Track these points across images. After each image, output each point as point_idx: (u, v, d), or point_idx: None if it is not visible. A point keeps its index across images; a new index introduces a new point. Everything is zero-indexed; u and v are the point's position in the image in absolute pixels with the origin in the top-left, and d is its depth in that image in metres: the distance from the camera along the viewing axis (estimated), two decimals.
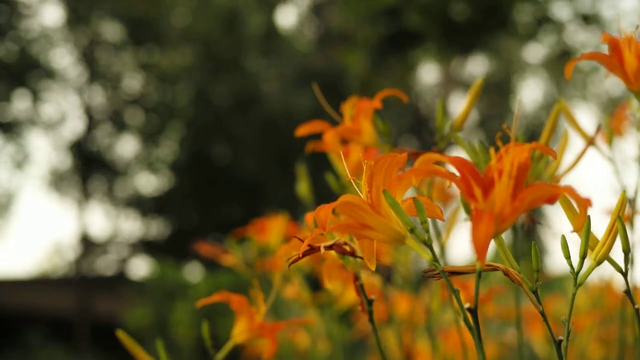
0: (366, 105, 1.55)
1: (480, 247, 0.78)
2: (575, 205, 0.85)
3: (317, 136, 1.71)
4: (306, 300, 2.44)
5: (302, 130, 1.62)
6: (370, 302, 1.16)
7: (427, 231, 0.91)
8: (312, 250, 1.00)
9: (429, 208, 0.96)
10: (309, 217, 0.99)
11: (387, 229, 0.92)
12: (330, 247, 1.02)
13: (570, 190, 0.83)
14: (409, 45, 12.41)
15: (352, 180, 0.99)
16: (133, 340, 1.50)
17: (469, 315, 0.90)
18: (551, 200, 0.82)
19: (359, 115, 1.55)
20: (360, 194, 0.96)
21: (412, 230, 0.91)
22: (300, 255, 1.00)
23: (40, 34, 17.70)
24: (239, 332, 1.48)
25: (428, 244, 0.92)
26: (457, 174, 0.85)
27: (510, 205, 0.84)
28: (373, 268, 0.98)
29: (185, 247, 10.67)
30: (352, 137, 1.58)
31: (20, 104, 17.62)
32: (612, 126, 2.37)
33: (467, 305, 0.90)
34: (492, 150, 0.86)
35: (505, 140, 0.89)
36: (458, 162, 0.85)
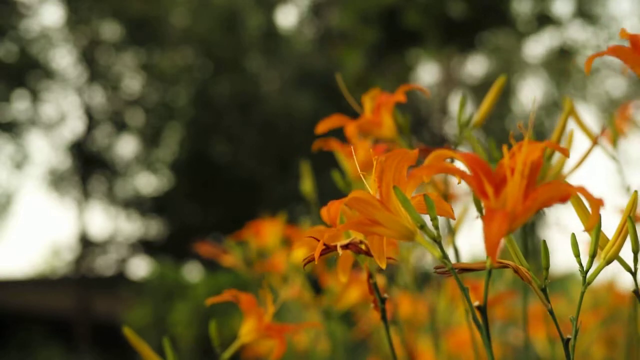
0: (388, 98, 1.53)
1: (492, 246, 0.78)
2: (587, 205, 0.84)
3: (322, 135, 1.69)
4: (307, 301, 2.43)
5: (323, 126, 1.59)
6: (383, 301, 1.15)
7: (437, 228, 0.90)
8: (328, 249, 1.00)
9: (439, 205, 0.95)
10: (323, 212, 0.98)
11: (396, 225, 0.92)
12: (346, 247, 1.01)
13: (583, 190, 0.82)
14: (408, 44, 12.42)
15: (362, 176, 0.98)
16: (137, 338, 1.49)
17: (478, 313, 0.89)
18: (563, 200, 0.81)
19: (381, 108, 1.54)
20: (369, 191, 0.95)
21: (422, 227, 0.91)
22: (318, 254, 0.99)
23: (40, 34, 17.69)
24: (247, 332, 1.46)
25: (437, 241, 0.91)
26: (469, 171, 0.84)
27: (522, 204, 0.83)
28: (383, 266, 0.98)
29: (184, 247, 10.67)
30: (373, 130, 1.57)
31: (20, 104, 17.62)
32: (615, 126, 2.36)
33: (476, 303, 0.89)
34: (504, 148, 0.86)
35: (512, 139, 0.88)
36: (470, 159, 0.84)
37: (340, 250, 0.98)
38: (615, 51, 1.08)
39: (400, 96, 1.50)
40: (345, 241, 1.01)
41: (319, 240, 0.96)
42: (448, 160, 0.94)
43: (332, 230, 0.95)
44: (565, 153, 0.96)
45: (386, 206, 0.92)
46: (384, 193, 0.92)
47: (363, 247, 1.01)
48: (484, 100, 1.63)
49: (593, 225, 0.84)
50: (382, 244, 0.97)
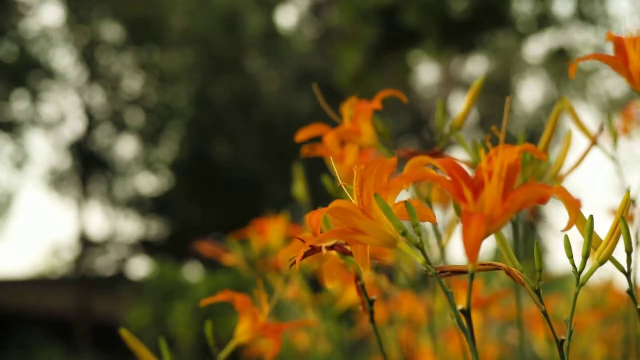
0: (365, 106, 1.54)
1: (470, 249, 0.78)
2: (565, 206, 0.85)
3: (314, 140, 1.70)
4: (306, 301, 2.43)
5: (302, 135, 1.61)
6: (371, 302, 1.16)
7: (419, 234, 0.91)
8: (313, 250, 1.00)
9: (421, 211, 0.95)
10: (308, 220, 0.99)
11: (378, 232, 0.92)
12: (331, 247, 1.01)
13: (561, 190, 0.83)
14: (407, 44, 12.41)
15: (343, 186, 0.99)
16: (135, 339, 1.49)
17: (462, 317, 0.89)
18: (542, 201, 0.82)
19: (359, 116, 1.54)
20: (352, 199, 0.95)
21: (403, 234, 0.91)
22: (302, 256, 1.00)
23: (40, 34, 17.69)
24: (242, 332, 1.48)
25: (420, 247, 0.91)
26: (447, 176, 0.85)
27: (501, 206, 0.83)
28: (367, 273, 0.98)
29: (184, 247, 10.67)
30: (352, 138, 1.57)
31: (19, 104, 17.62)
32: (619, 125, 2.37)
33: (460, 307, 0.90)
34: (482, 152, 0.86)
35: (497, 141, 0.89)
36: (447, 164, 0.85)
37: (324, 251, 0.99)
38: (598, 57, 1.09)
39: (377, 104, 1.50)
40: (330, 242, 1.01)
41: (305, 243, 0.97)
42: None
43: (314, 239, 0.95)
44: (542, 157, 0.97)
45: (368, 214, 0.92)
46: (365, 201, 0.92)
47: (348, 248, 1.01)
48: (464, 103, 1.64)
49: (571, 225, 0.85)
50: (365, 251, 0.98)
